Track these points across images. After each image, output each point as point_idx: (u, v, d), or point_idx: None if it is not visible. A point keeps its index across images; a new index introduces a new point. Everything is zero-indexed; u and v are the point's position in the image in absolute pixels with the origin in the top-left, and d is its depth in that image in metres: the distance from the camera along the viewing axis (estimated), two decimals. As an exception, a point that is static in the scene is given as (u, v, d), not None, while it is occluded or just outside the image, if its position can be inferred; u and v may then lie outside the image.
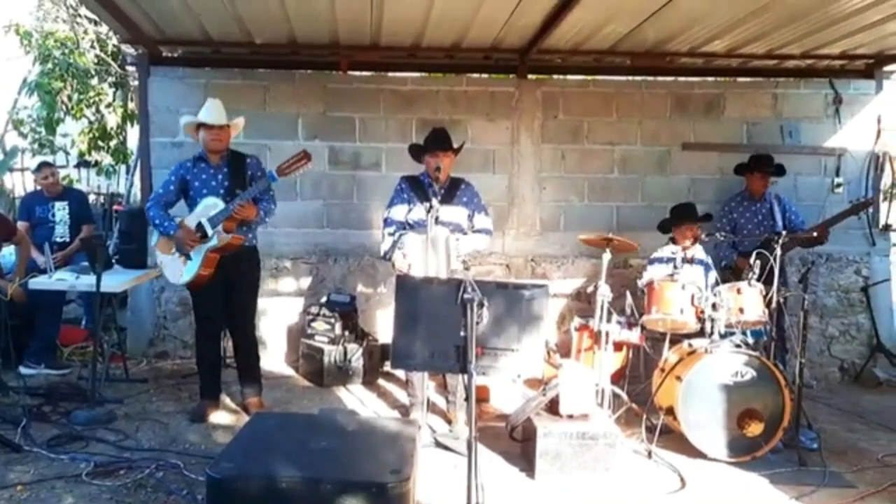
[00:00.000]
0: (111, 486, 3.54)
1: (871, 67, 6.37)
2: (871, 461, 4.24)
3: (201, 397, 4.77)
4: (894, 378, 6.07)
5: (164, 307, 6.17)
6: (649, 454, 4.22)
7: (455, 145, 4.66)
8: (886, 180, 6.54)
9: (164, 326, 6.19)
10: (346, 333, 5.66)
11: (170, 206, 4.64)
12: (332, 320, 5.67)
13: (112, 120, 8.84)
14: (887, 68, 6.38)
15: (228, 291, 4.60)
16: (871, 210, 6.23)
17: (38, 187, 6.14)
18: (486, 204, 4.81)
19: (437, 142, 4.57)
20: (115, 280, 4.95)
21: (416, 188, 4.61)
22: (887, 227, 6.54)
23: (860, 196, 5.93)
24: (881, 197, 6.51)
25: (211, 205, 4.45)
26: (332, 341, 5.62)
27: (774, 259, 4.44)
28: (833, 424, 4.89)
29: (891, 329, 6.50)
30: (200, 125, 4.52)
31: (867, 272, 6.41)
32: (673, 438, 4.30)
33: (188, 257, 4.48)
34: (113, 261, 5.37)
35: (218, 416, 4.69)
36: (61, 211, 5.96)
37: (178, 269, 4.53)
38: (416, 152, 4.70)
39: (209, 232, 4.41)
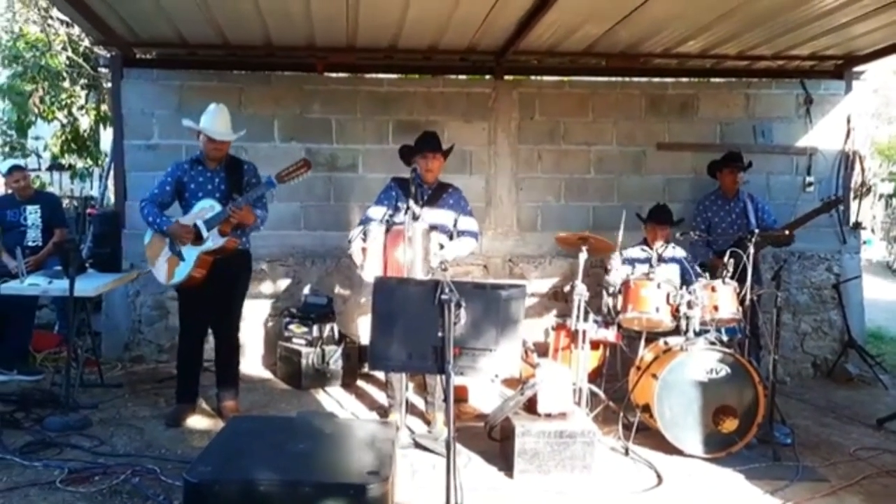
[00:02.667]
0: (86, 493, 3.50)
1: (840, 68, 6.47)
2: (844, 455, 4.31)
3: (178, 401, 4.73)
4: (866, 373, 6.17)
5: (139, 311, 6.11)
6: (626, 451, 4.26)
7: (444, 148, 4.66)
8: (856, 179, 6.65)
9: (139, 331, 6.13)
10: (324, 335, 5.64)
11: (164, 207, 4.59)
12: (310, 322, 5.65)
13: (85, 122, 8.75)
14: (856, 69, 6.49)
15: (217, 295, 4.56)
16: (841, 208, 6.33)
17: (10, 191, 6.05)
18: (472, 209, 4.81)
19: (428, 144, 4.59)
20: (89, 284, 4.89)
21: (405, 190, 4.59)
22: (857, 226, 6.65)
23: (830, 195, 6.03)
24: (851, 195, 6.61)
25: (207, 207, 4.42)
26: (310, 343, 5.60)
27: (748, 257, 4.50)
28: (806, 420, 4.96)
29: (862, 325, 6.62)
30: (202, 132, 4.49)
31: (838, 269, 6.51)
32: (650, 435, 4.34)
33: (181, 258, 4.44)
34: (86, 265, 5.30)
35: (194, 421, 4.65)
36: (33, 215, 5.88)
37: (170, 270, 4.49)
38: (406, 154, 4.69)
39: (205, 234, 4.38)
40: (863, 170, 6.68)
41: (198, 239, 4.39)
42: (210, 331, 4.83)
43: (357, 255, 4.45)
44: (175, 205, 4.65)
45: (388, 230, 4.43)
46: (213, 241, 4.39)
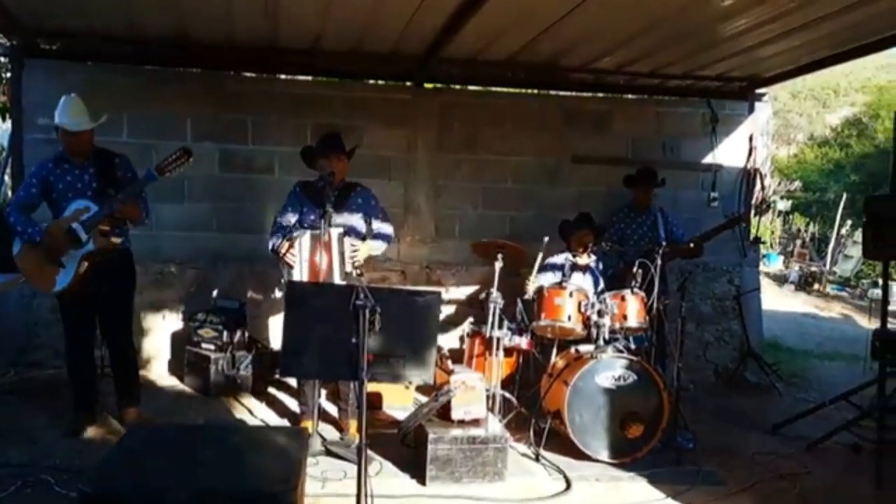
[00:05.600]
0: (-29, 506, 3.29)
1: (744, 90, 6.79)
2: (743, 459, 4.50)
3: (75, 410, 4.48)
4: (763, 381, 6.47)
5: (35, 313, 5.78)
6: (537, 457, 4.33)
7: (347, 148, 4.61)
8: (757, 196, 6.99)
9: (35, 334, 5.79)
10: (235, 340, 5.49)
11: (32, 210, 4.29)
12: (220, 327, 5.48)
13: (-20, 113, 8.24)
14: (759, 91, 6.83)
15: (101, 299, 4.34)
16: (742, 224, 6.63)
17: None
18: (384, 208, 4.78)
19: (330, 146, 4.51)
20: (-20, 284, 4.61)
21: (310, 193, 4.54)
22: (757, 240, 6.99)
23: (733, 211, 6.30)
24: (752, 211, 6.94)
25: (82, 208, 4.16)
26: (220, 349, 5.44)
27: (655, 268, 4.66)
28: (708, 425, 5.14)
29: (760, 335, 6.95)
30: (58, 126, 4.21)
31: (739, 281, 6.82)
32: (560, 441, 4.42)
33: (60, 265, 4.17)
34: (-23, 264, 4.98)
35: (94, 430, 4.44)
36: None
37: (50, 279, 4.20)
38: (309, 157, 4.61)
39: (83, 237, 4.12)
40: (763, 187, 7.03)
41: (75, 242, 4.14)
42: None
43: (288, 255, 4.30)
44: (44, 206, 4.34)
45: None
46: (93, 242, 4.14)
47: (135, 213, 4.29)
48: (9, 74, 6.45)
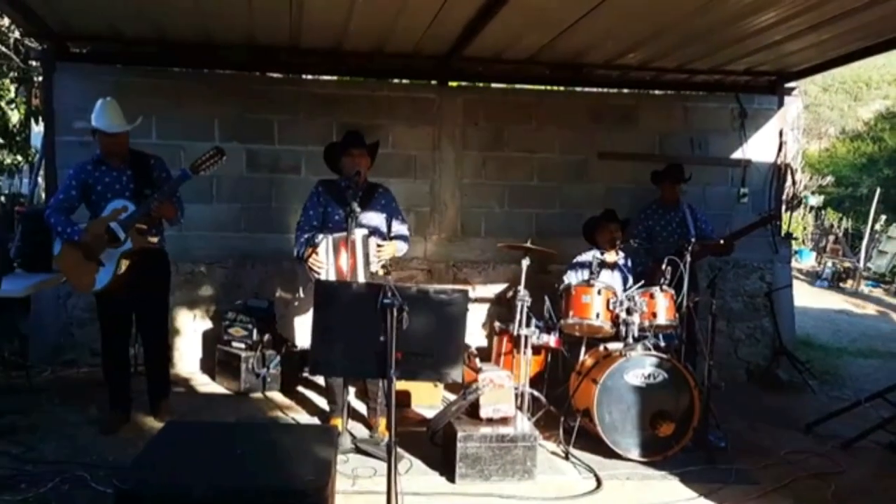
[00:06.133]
0: (11, 501, 3.36)
1: (773, 84, 6.69)
2: (775, 458, 4.44)
3: (110, 407, 4.57)
4: (795, 379, 6.38)
5: (70, 313, 5.89)
6: (567, 455, 4.31)
7: (369, 144, 4.61)
8: (788, 191, 6.88)
9: (70, 333, 5.90)
10: (265, 339, 5.54)
11: (71, 211, 4.39)
12: (250, 326, 5.54)
13: (14, 117, 8.40)
14: (788, 85, 6.72)
15: (138, 297, 4.43)
16: (775, 221, 6.54)
17: None
18: (403, 209, 4.80)
19: (352, 142, 4.53)
20: (17, 285, 4.70)
21: (333, 192, 4.56)
22: (788, 236, 6.89)
23: (766, 209, 6.21)
24: (783, 207, 6.84)
25: (120, 207, 4.27)
26: (250, 347, 5.49)
27: (685, 265, 4.61)
28: (740, 424, 5.08)
29: (792, 332, 6.85)
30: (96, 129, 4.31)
31: (770, 278, 6.73)
32: (590, 440, 4.39)
33: (100, 264, 4.27)
34: (14, 264, 5.08)
35: (129, 427, 4.51)
36: None
37: (90, 278, 4.29)
38: (331, 156, 4.63)
39: (121, 235, 4.23)
40: (794, 182, 6.93)
41: (114, 241, 4.24)
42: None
43: (313, 259, 4.33)
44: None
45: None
46: (132, 241, 4.25)
47: (170, 213, 4.37)
48: (40, 78, 6.58)
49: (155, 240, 4.40)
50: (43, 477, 3.59)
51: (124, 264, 4.28)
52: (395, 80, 6.52)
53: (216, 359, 5.70)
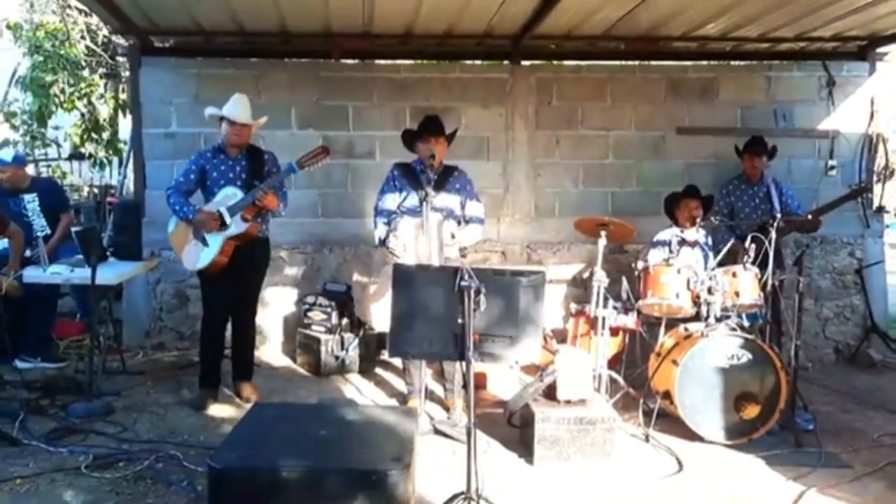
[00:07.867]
0: (111, 479, 3.54)
1: (863, 49, 6.36)
2: (867, 441, 4.27)
3: (200, 387, 4.79)
4: (888, 359, 6.10)
5: (160, 299, 6.16)
6: (647, 438, 4.25)
7: (447, 132, 4.64)
8: (880, 162, 6.55)
9: (160, 318, 6.18)
10: (343, 322, 5.67)
11: (189, 194, 4.70)
12: (329, 310, 5.68)
13: (104, 111, 8.80)
14: (880, 50, 6.37)
15: (238, 281, 4.67)
16: (867, 194, 6.25)
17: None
18: (478, 192, 4.80)
19: (430, 128, 4.56)
20: (110, 273, 4.93)
21: (408, 176, 4.60)
22: (881, 209, 6.56)
23: (857, 181, 5.93)
24: (874, 179, 6.52)
25: (230, 194, 4.54)
26: (329, 331, 5.63)
27: (769, 243, 4.45)
28: (828, 406, 4.92)
29: (884, 310, 6.55)
30: (224, 118, 4.58)
31: (861, 254, 6.43)
32: (670, 422, 4.32)
33: (205, 244, 4.53)
34: (107, 253, 5.34)
35: (216, 407, 4.69)
36: (31, 203, 5.79)
37: (195, 256, 4.59)
38: (409, 139, 4.68)
39: (228, 220, 4.48)
40: (886, 153, 6.58)
41: (222, 225, 4.50)
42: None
43: (395, 243, 4.43)
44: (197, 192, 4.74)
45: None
46: (237, 226, 4.50)
47: (274, 204, 4.57)
48: (127, 73, 6.85)
49: (258, 227, 4.63)
50: (139, 456, 3.77)
51: (227, 247, 4.52)
52: (468, 62, 6.50)
53: (297, 342, 5.87)
